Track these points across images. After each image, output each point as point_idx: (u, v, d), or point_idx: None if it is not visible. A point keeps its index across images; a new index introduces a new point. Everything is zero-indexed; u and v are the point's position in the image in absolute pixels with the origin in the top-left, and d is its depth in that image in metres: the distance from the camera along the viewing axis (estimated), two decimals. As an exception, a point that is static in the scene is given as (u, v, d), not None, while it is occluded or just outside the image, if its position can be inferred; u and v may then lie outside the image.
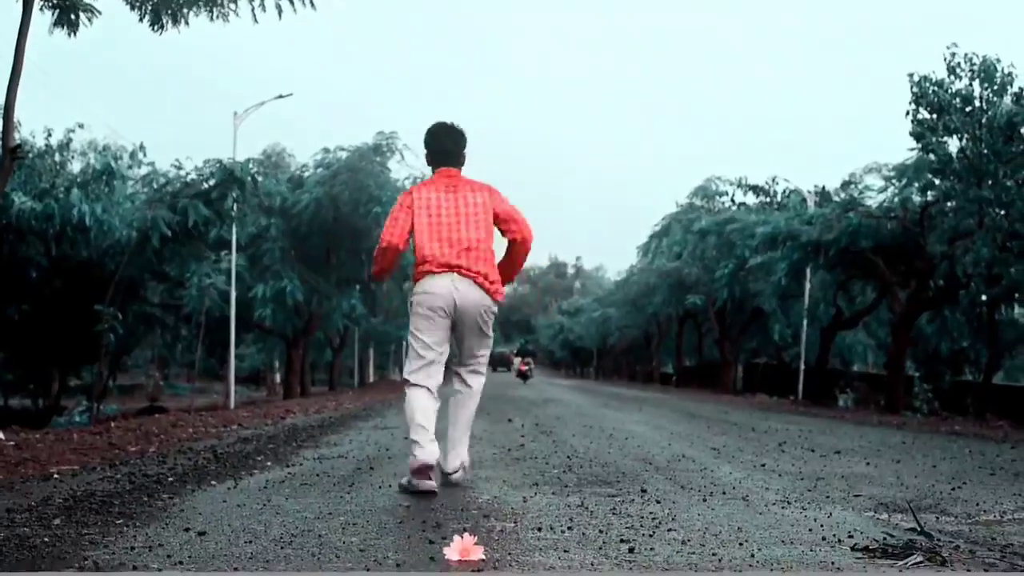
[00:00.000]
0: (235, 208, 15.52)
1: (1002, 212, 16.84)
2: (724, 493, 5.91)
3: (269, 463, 7.20)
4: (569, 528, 4.47)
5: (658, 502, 5.45)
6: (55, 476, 6.11)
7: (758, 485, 6.35)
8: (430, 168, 6.21)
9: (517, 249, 6.17)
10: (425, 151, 6.25)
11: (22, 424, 14.56)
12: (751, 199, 34.98)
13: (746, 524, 4.68)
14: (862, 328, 31.84)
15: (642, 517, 4.85)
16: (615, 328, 59.40)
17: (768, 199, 34.10)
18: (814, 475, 6.99)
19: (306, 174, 25.79)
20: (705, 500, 5.58)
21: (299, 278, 23.55)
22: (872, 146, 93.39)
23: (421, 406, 5.69)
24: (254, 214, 18.50)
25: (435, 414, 5.76)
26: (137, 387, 44.26)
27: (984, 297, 18.53)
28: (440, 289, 5.68)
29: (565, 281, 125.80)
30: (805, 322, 27.92)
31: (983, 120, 17.30)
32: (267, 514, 4.77)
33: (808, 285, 27.05)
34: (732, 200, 36.43)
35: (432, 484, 5.55)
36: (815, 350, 28.83)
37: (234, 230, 17.40)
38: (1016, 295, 19.28)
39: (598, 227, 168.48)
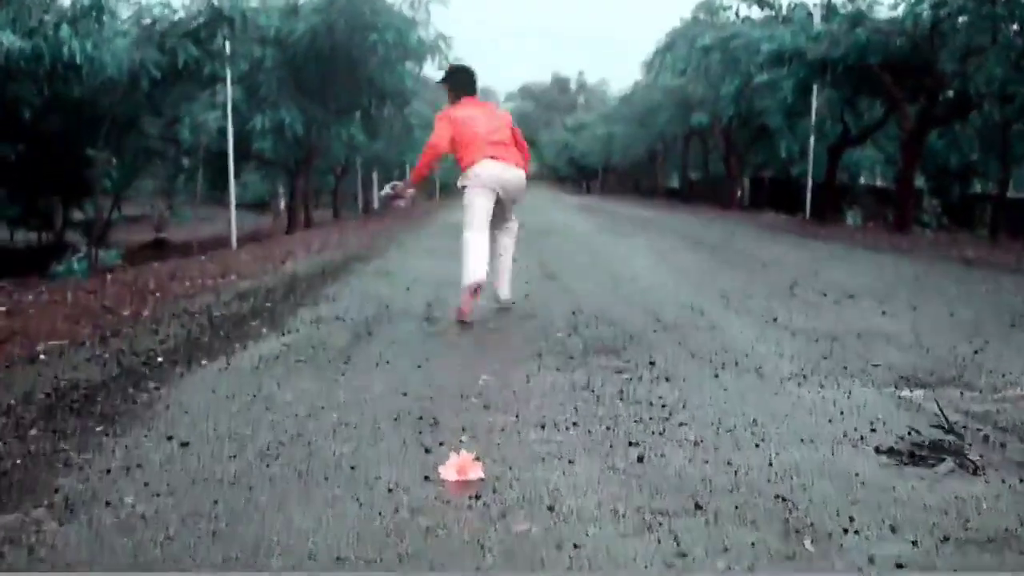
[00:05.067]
0: (226, 46, 14.89)
1: (1016, 28, 16.22)
2: (736, 364, 5.66)
3: (264, 329, 6.93)
4: (574, 424, 4.22)
5: (667, 379, 5.21)
6: (42, 358, 5.85)
7: (771, 351, 6.10)
8: (449, 97, 7.98)
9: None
10: (448, 86, 8.07)
11: (24, 267, 14.42)
12: (756, 13, 34.02)
13: (761, 414, 4.42)
14: (870, 143, 31.23)
15: (651, 404, 4.61)
16: (620, 146, 58.85)
17: (773, 13, 33.14)
18: (829, 334, 6.72)
19: (300, 1, 24.87)
20: (717, 376, 5.34)
21: (297, 108, 23.01)
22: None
23: (479, 246, 7.54)
24: (247, 49, 17.76)
25: (488, 253, 7.64)
26: (144, 217, 43.98)
27: (996, 117, 17.95)
28: (490, 171, 7.53)
29: (568, 97, 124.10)
30: (812, 139, 27.26)
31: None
32: (256, 410, 4.52)
33: (815, 102, 26.36)
34: (736, 14, 35.42)
35: (468, 313, 7.38)
36: (822, 166, 28.37)
37: (227, 66, 16.75)
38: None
39: (601, 41, 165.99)
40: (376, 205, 41.66)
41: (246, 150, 23.23)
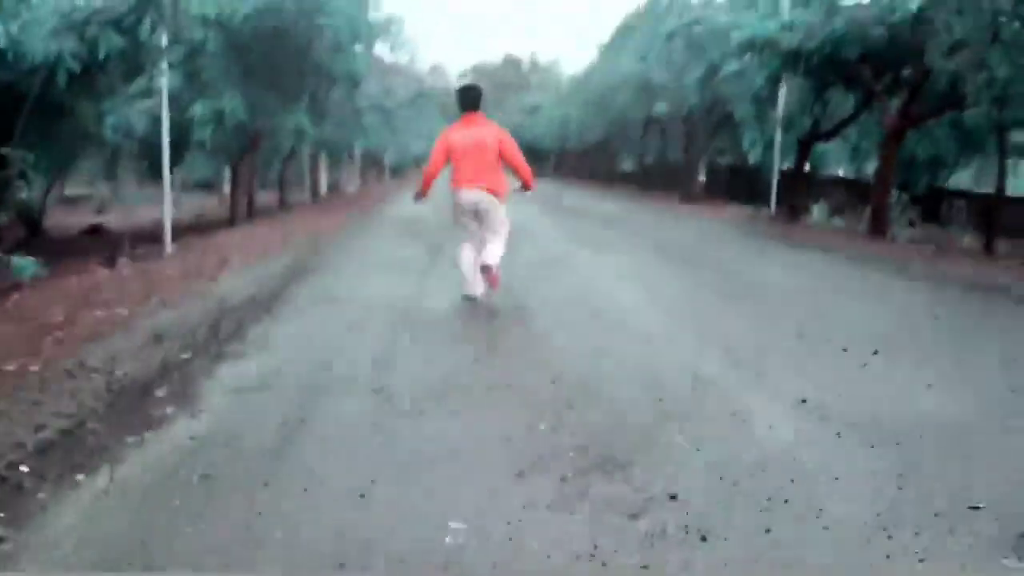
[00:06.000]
0: (157, 35, 13.34)
1: (1018, 25, 15.07)
2: (786, 502, 4.22)
3: (170, 408, 5.58)
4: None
5: (703, 538, 3.85)
6: None
7: (823, 467, 4.70)
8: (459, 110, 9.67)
9: (525, 179, 10.19)
10: (458, 101, 9.70)
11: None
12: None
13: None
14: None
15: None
16: (576, 129, 57.89)
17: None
18: (883, 432, 5.28)
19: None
20: (769, 531, 3.93)
21: (240, 95, 21.58)
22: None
23: (469, 258, 9.61)
24: (186, 33, 16.12)
25: (477, 264, 9.46)
26: (88, 198, 42.68)
27: (994, 117, 16.70)
28: (466, 198, 9.44)
29: (520, 77, 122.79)
30: (779, 131, 26.22)
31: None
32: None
33: (783, 93, 25.27)
34: (701, -1, 34.40)
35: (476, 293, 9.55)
36: (786, 158, 27.34)
37: (162, 57, 15.20)
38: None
39: (553, 19, 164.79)
40: (324, 190, 40.23)
41: (184, 139, 21.78)
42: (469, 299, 9.53)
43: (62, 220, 33.30)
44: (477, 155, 9.36)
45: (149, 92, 17.95)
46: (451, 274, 10.58)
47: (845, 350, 7.52)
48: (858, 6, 20.43)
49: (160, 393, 5.92)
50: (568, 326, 8.64)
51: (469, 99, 9.63)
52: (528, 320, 8.93)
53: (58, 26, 12.10)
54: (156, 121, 16.72)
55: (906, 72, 20.26)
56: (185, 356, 6.89)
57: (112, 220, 30.45)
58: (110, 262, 14.76)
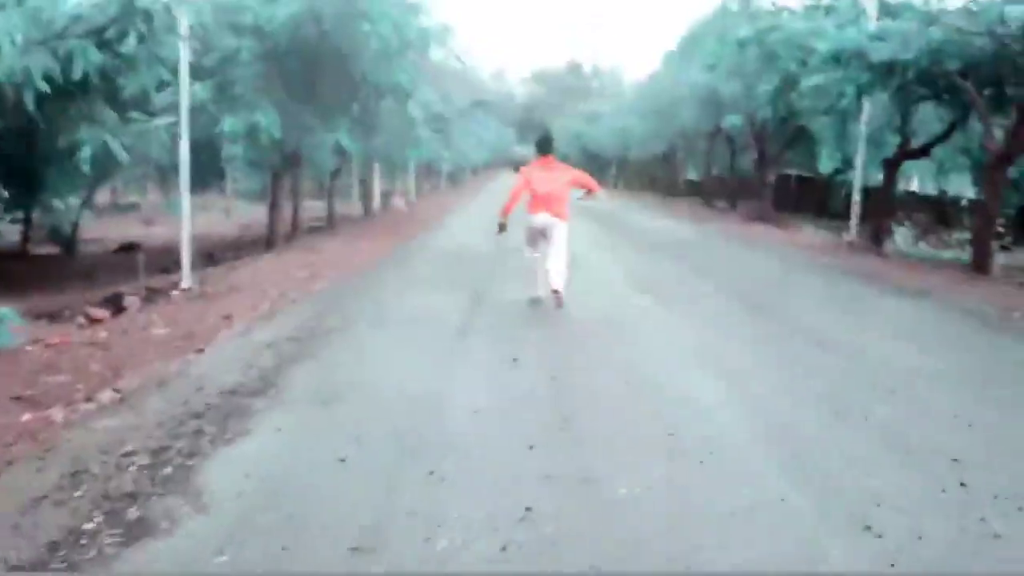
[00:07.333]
0: (142, 51, 11.31)
1: None
2: None
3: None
4: None
5: None
6: None
7: None
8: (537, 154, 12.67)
9: (591, 189, 12.84)
10: (535, 147, 12.84)
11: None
12: (795, 1, 30.83)
13: None
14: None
15: None
16: (637, 138, 56.10)
17: (814, 4, 29.92)
18: None
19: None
20: None
21: (275, 109, 19.77)
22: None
23: (531, 262, 12.69)
24: (164, 51, 13.72)
25: (539, 271, 12.41)
26: (139, 206, 41.72)
27: None
28: (536, 221, 12.29)
29: (582, 82, 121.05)
30: (862, 148, 24.05)
31: None
32: None
33: (866, 108, 23.08)
34: (773, 3, 32.15)
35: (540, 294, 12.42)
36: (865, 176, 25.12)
37: (184, 59, 13.27)
38: None
39: (616, 24, 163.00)
40: (377, 202, 38.40)
41: (217, 154, 19.99)
42: (535, 301, 12.42)
43: (107, 232, 31.94)
44: (549, 192, 12.18)
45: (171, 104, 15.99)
46: (489, 348, 8.68)
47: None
48: (959, 13, 18.23)
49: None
50: (627, 451, 6.33)
51: (546, 145, 12.66)
52: (570, 430, 6.74)
53: (26, 39, 10.14)
54: (171, 137, 14.80)
55: (1010, 87, 18.12)
56: (89, 526, 4.91)
57: (157, 233, 28.94)
58: (116, 304, 13.06)
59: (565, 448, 6.22)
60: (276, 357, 8.96)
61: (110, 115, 12.47)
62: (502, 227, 12.64)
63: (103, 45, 10.72)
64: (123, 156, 12.28)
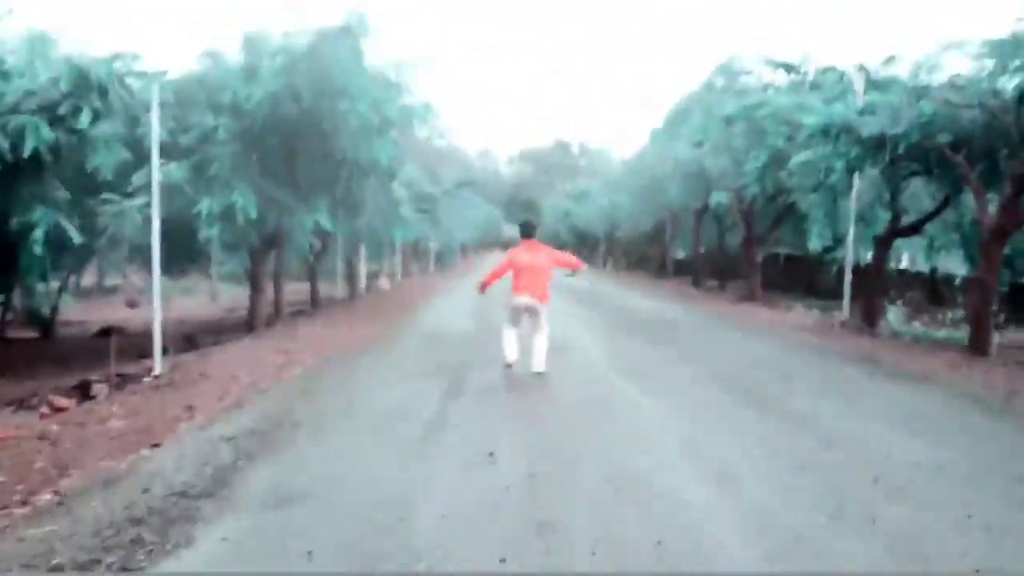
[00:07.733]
0: (100, 127, 10.80)
1: None
2: None
3: None
4: None
5: None
6: None
7: None
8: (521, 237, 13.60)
9: (575, 267, 13.88)
10: (520, 230, 13.69)
11: None
12: (781, 78, 30.62)
13: None
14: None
15: None
16: (625, 216, 56.03)
17: (799, 78, 29.73)
18: None
19: (261, 63, 21.06)
20: None
21: (251, 190, 19.26)
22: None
23: (510, 337, 13.42)
24: (128, 122, 13.23)
25: (516, 342, 13.42)
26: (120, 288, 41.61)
27: None
28: (519, 301, 13.11)
29: (570, 160, 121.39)
30: (852, 227, 23.58)
31: None
32: None
33: (856, 183, 22.67)
34: (759, 80, 31.97)
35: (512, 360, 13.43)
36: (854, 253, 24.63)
37: (155, 136, 12.72)
38: None
39: (603, 103, 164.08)
40: (363, 283, 37.87)
41: (194, 236, 19.40)
42: (508, 366, 13.40)
43: (90, 315, 31.44)
44: (533, 274, 13.11)
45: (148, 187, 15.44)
46: (464, 442, 8.08)
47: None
48: (949, 87, 17.86)
49: None
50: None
51: (529, 229, 13.54)
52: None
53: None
54: (145, 219, 14.28)
55: (1002, 159, 17.68)
56: None
57: (140, 316, 28.37)
58: (84, 391, 12.51)
59: (540, 559, 5.59)
60: (234, 453, 8.34)
61: (63, 195, 11.87)
62: (483, 287, 13.72)
63: (56, 122, 10.17)
64: (76, 237, 11.68)
